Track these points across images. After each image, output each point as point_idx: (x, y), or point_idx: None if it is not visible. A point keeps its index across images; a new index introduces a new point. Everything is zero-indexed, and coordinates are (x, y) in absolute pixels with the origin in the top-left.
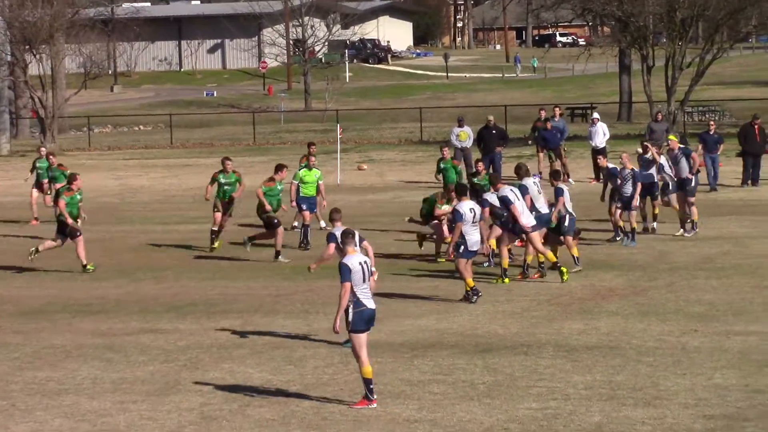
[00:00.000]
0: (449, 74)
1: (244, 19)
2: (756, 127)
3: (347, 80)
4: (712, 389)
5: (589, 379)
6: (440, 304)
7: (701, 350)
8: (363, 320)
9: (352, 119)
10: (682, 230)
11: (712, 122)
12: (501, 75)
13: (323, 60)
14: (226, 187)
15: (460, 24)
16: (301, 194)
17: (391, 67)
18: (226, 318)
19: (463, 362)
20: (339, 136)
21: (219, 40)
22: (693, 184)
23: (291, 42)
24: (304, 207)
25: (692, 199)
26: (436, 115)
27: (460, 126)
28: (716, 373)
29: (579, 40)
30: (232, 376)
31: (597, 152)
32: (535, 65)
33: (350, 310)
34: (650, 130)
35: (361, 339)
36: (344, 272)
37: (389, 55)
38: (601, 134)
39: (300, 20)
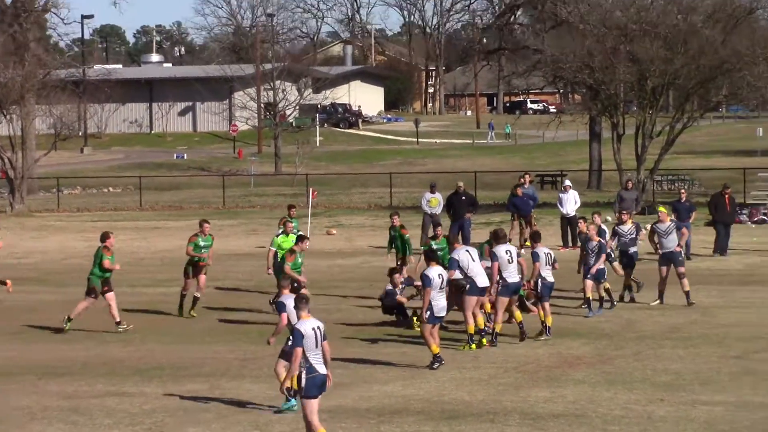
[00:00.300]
0: (420, 139)
1: (215, 82)
2: (726, 196)
3: (318, 144)
4: None
5: None
6: (407, 370)
7: (667, 420)
8: (316, 386)
9: (322, 183)
10: (629, 295)
11: (683, 191)
12: (471, 141)
13: (294, 124)
14: (204, 250)
15: (431, 90)
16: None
17: (362, 132)
18: (192, 382)
19: (429, 429)
20: (311, 199)
21: (190, 103)
22: (681, 256)
23: (262, 105)
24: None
25: (683, 270)
26: (406, 181)
27: (432, 192)
28: None
29: (550, 107)
30: None
31: (568, 220)
32: (509, 131)
33: (303, 376)
34: (620, 198)
35: (313, 405)
36: (297, 337)
37: (360, 120)
38: (572, 202)
39: (271, 84)
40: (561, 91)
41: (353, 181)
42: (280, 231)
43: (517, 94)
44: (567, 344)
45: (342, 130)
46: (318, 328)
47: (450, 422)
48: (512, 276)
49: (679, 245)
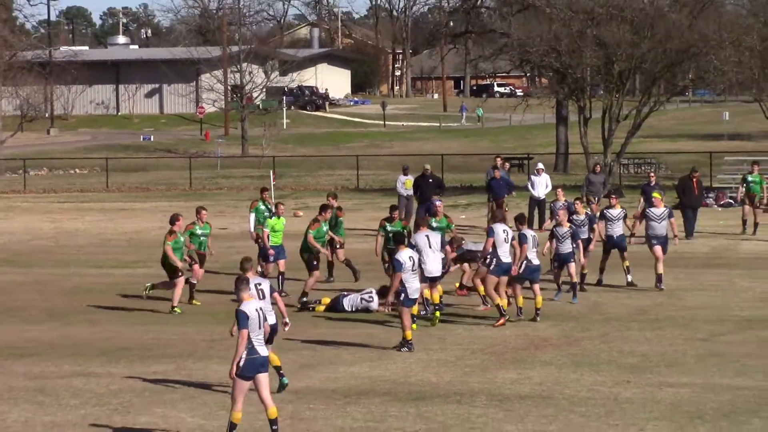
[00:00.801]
0: (386, 122)
1: (182, 65)
2: (694, 180)
3: (284, 126)
4: None
5: (521, 429)
6: (374, 352)
7: (633, 401)
8: (254, 367)
9: (289, 166)
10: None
11: (652, 174)
12: (438, 124)
13: (261, 106)
14: (202, 238)
15: (398, 73)
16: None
17: (329, 115)
18: (158, 363)
19: (395, 410)
20: (272, 183)
21: (156, 85)
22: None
23: (229, 88)
24: (280, 256)
25: (663, 256)
26: (373, 163)
27: (405, 174)
28: (648, 424)
29: (517, 90)
30: (165, 420)
31: (538, 203)
32: (481, 114)
33: (243, 356)
34: (588, 182)
35: (245, 386)
36: (241, 319)
37: (327, 103)
38: (543, 185)
39: (238, 66)
40: (528, 74)
41: (320, 163)
42: (270, 213)
43: (484, 77)
44: (534, 326)
45: (309, 112)
46: (260, 309)
47: (417, 403)
48: (505, 256)
49: (675, 235)
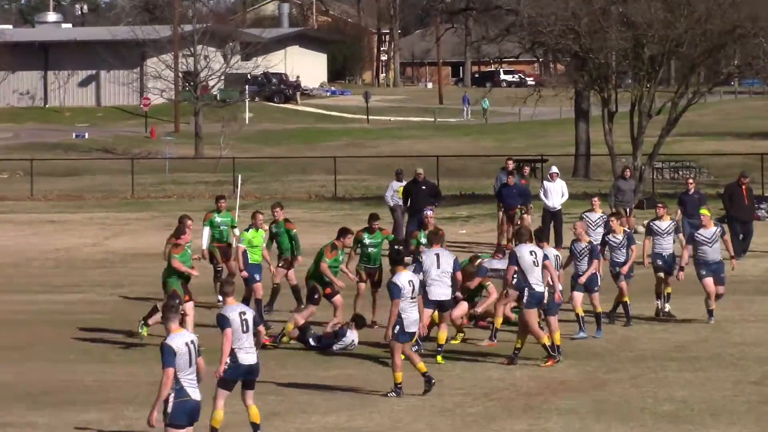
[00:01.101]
0: (370, 117)
1: (123, 47)
2: (743, 187)
3: (247, 122)
4: None
5: None
6: (354, 397)
7: None
8: (185, 413)
9: (253, 169)
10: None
11: (690, 180)
12: (433, 119)
13: (219, 97)
14: (222, 228)
15: (384, 57)
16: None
17: (301, 108)
18: (92, 410)
19: None
20: (237, 190)
21: (93, 72)
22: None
23: (180, 75)
24: (257, 277)
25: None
26: (353, 167)
27: (399, 180)
28: None
29: (527, 79)
30: None
31: (553, 214)
32: (487, 107)
33: (170, 400)
34: (617, 189)
35: None
36: (168, 355)
37: (299, 93)
38: (559, 193)
39: (192, 49)
40: (541, 60)
41: (290, 166)
42: (249, 226)
43: (487, 63)
44: (550, 366)
45: (277, 105)
46: (192, 342)
47: None
48: (537, 284)
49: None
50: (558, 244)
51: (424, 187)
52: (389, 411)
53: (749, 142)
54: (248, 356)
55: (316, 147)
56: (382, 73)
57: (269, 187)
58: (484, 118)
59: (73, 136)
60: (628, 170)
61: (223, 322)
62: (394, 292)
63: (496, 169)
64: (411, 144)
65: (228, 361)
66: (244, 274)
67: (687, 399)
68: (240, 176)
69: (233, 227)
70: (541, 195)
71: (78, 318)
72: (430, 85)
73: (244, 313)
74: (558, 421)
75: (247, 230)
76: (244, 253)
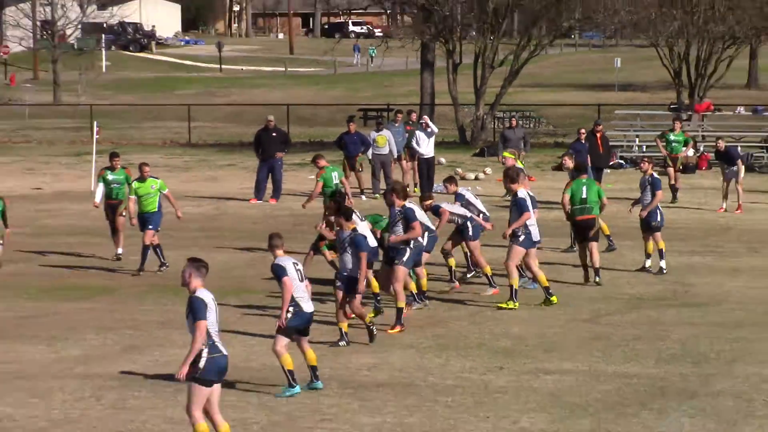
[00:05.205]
0: (223, 66)
1: None
2: (598, 135)
3: (104, 70)
4: None
5: (378, 421)
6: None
7: (507, 390)
8: (217, 370)
9: (109, 116)
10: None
11: (513, 119)
12: (284, 69)
13: (76, 46)
14: (113, 186)
15: (236, 8)
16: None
17: (156, 56)
18: None
19: (234, 398)
20: (96, 136)
21: None
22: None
23: (38, 24)
24: (150, 226)
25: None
26: (208, 114)
27: (378, 130)
28: (523, 417)
29: (375, 30)
30: None
31: (426, 161)
32: (373, 54)
33: (204, 355)
34: (504, 139)
35: (205, 393)
36: (200, 308)
37: (153, 42)
38: (432, 141)
39: None
40: (388, 11)
41: (146, 113)
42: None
43: (337, 14)
44: (393, 304)
45: (132, 53)
46: (214, 299)
47: (259, 392)
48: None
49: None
50: (429, 189)
51: (274, 134)
52: (243, 346)
53: (588, 93)
54: (309, 304)
55: (170, 95)
56: (234, 23)
57: (125, 133)
58: (372, 65)
59: None
60: (514, 120)
61: (280, 272)
62: (362, 245)
63: (345, 117)
64: (263, 93)
65: (291, 309)
66: (134, 222)
67: (522, 335)
68: (96, 123)
69: (129, 184)
70: (413, 143)
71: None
72: (281, 36)
73: (297, 264)
74: (401, 355)
75: (134, 181)
76: (135, 202)
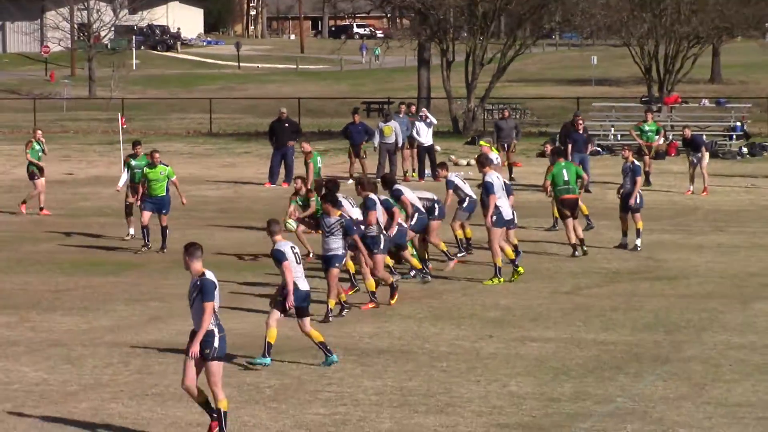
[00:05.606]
0: (241, 64)
1: (26, 1)
2: (579, 125)
3: (134, 68)
4: (507, 397)
5: (379, 385)
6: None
7: (496, 356)
8: (227, 346)
9: (139, 108)
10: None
11: (506, 110)
12: (295, 66)
13: (109, 46)
14: (136, 170)
15: (253, 12)
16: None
17: (181, 55)
18: (0, 314)
19: (248, 364)
20: (122, 126)
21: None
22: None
23: (75, 26)
24: (146, 207)
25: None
26: (227, 107)
27: (386, 120)
28: (511, 381)
29: (377, 32)
30: (6, 375)
31: (426, 149)
32: (378, 54)
33: (216, 335)
34: (498, 128)
35: (221, 369)
36: (211, 290)
37: (179, 43)
38: (431, 131)
39: (85, 4)
40: (388, 15)
41: (171, 106)
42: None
43: (343, 18)
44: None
45: (159, 53)
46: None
47: (272, 358)
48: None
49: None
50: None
51: (287, 125)
52: (256, 316)
53: (568, 87)
54: (304, 282)
55: (193, 90)
56: (251, 25)
57: (153, 124)
58: (377, 62)
59: None
60: (506, 111)
61: (280, 257)
62: (352, 229)
63: (350, 109)
64: (276, 87)
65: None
66: (130, 200)
67: (510, 306)
68: (120, 114)
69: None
70: (414, 133)
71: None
72: (293, 37)
73: (294, 247)
74: (400, 324)
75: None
76: (142, 184)
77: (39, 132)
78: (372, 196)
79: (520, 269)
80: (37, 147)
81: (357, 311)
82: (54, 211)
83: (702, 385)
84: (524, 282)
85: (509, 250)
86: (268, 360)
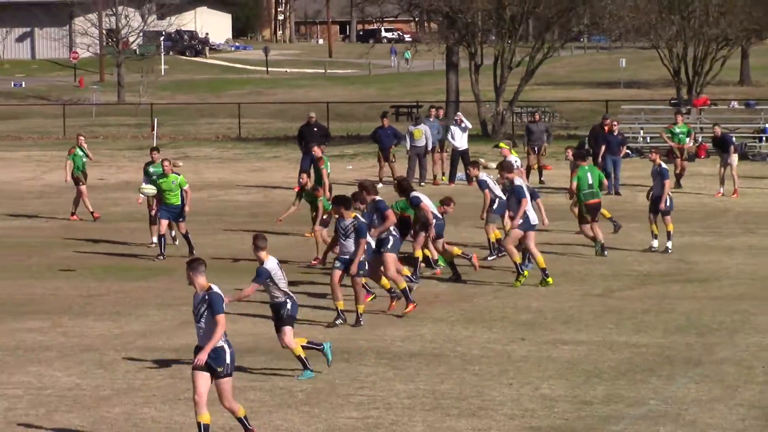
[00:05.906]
0: (269, 69)
1: (55, 7)
2: (607, 129)
3: (163, 73)
4: (539, 400)
5: (411, 388)
6: (256, 309)
7: (528, 359)
8: (235, 360)
9: (168, 113)
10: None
11: (615, 122)
12: (323, 71)
13: (138, 52)
14: (154, 177)
15: (281, 17)
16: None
17: (209, 60)
18: (32, 319)
19: (280, 368)
20: (154, 131)
21: (28, 29)
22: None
23: (104, 32)
24: (161, 214)
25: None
26: (256, 111)
27: (416, 124)
28: (543, 384)
29: (405, 36)
30: (39, 380)
31: (460, 153)
32: (408, 57)
33: (226, 351)
34: (528, 131)
35: (231, 384)
36: (219, 303)
37: (207, 48)
38: (466, 135)
39: (113, 9)
40: (416, 19)
41: (200, 111)
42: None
43: (371, 22)
44: (424, 281)
45: (188, 58)
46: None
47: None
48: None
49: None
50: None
51: (316, 129)
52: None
53: (596, 90)
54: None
55: (222, 95)
56: (279, 30)
57: (182, 129)
58: (407, 66)
59: (12, 85)
60: (537, 114)
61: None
62: (365, 232)
63: (378, 113)
64: (305, 92)
65: (289, 303)
66: (154, 210)
67: (542, 309)
68: (156, 120)
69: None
70: (449, 138)
71: (17, 241)
72: (321, 41)
73: (279, 263)
74: (431, 328)
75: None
76: (156, 195)
77: (82, 137)
78: (380, 197)
79: (525, 272)
80: (80, 153)
81: (387, 315)
82: (84, 216)
83: (735, 387)
84: (556, 285)
85: (541, 258)
86: (311, 373)
